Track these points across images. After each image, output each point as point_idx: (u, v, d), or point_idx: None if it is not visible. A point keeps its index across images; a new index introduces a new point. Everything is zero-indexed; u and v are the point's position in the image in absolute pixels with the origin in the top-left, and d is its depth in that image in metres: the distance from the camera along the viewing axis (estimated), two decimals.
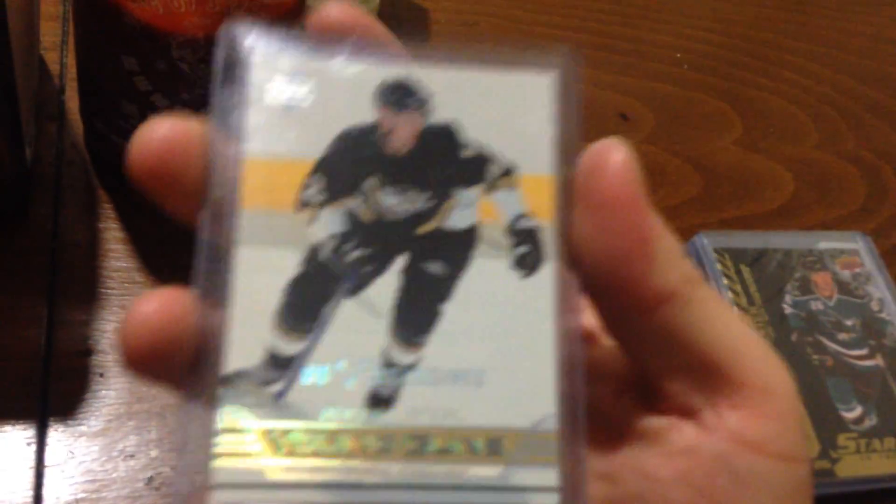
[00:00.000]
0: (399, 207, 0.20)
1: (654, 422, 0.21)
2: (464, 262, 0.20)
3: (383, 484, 0.19)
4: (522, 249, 0.20)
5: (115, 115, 0.41)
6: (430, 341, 0.20)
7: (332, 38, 0.21)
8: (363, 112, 0.21)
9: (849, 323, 0.45)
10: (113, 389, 0.40)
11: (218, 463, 0.18)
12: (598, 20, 0.67)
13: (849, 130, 0.66)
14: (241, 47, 0.21)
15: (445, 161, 0.21)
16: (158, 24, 0.36)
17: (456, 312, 0.20)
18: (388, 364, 0.19)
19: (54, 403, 0.39)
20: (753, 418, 0.20)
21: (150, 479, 0.38)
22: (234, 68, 0.21)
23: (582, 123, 0.21)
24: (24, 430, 0.38)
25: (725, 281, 0.44)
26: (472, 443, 0.19)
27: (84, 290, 0.42)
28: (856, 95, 0.69)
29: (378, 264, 0.20)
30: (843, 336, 0.45)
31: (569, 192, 0.20)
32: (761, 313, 0.44)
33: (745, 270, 0.45)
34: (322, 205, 0.20)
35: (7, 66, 0.34)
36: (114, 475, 0.38)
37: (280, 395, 0.19)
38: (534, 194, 0.21)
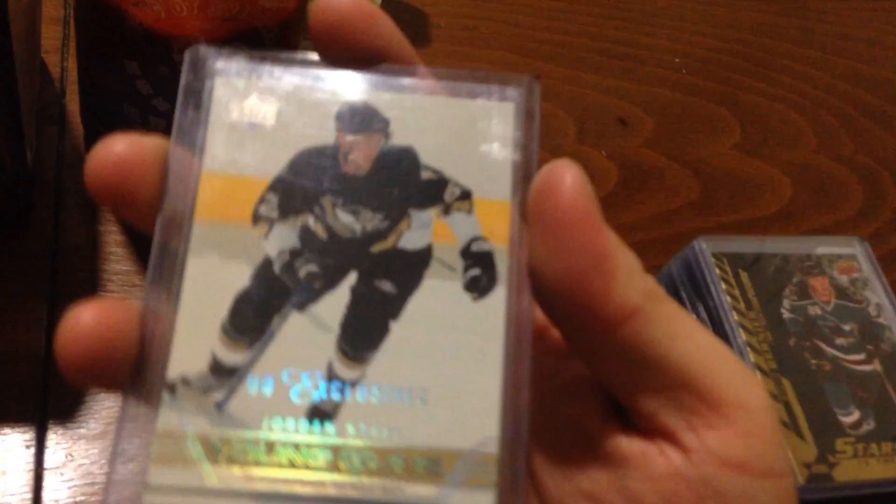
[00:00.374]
0: (354, 226, 0.21)
1: (637, 444, 0.20)
2: (416, 281, 0.20)
3: (319, 497, 0.19)
4: (475, 272, 0.20)
5: (117, 119, 0.41)
6: (375, 358, 0.20)
7: (330, 28, 0.21)
8: (324, 133, 0.21)
9: (846, 328, 0.46)
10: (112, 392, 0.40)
11: (154, 466, 0.18)
12: (598, 25, 0.67)
13: (847, 135, 0.66)
14: (205, 68, 0.21)
15: (403, 182, 0.21)
16: (160, 28, 0.36)
17: (404, 331, 0.20)
18: (332, 378, 0.19)
19: (53, 406, 0.39)
20: (734, 437, 0.19)
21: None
22: (198, 88, 0.21)
23: (540, 150, 0.21)
24: (24, 432, 0.38)
25: (724, 285, 0.44)
26: (412, 461, 0.19)
27: (84, 293, 0.43)
28: (854, 101, 0.69)
29: (329, 280, 0.20)
30: (840, 341, 0.45)
31: (525, 217, 0.20)
32: (759, 318, 0.44)
33: (744, 275, 0.45)
34: (277, 220, 0.20)
35: (9, 70, 0.34)
36: None
37: (221, 403, 0.19)
38: (490, 218, 0.21)
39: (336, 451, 0.19)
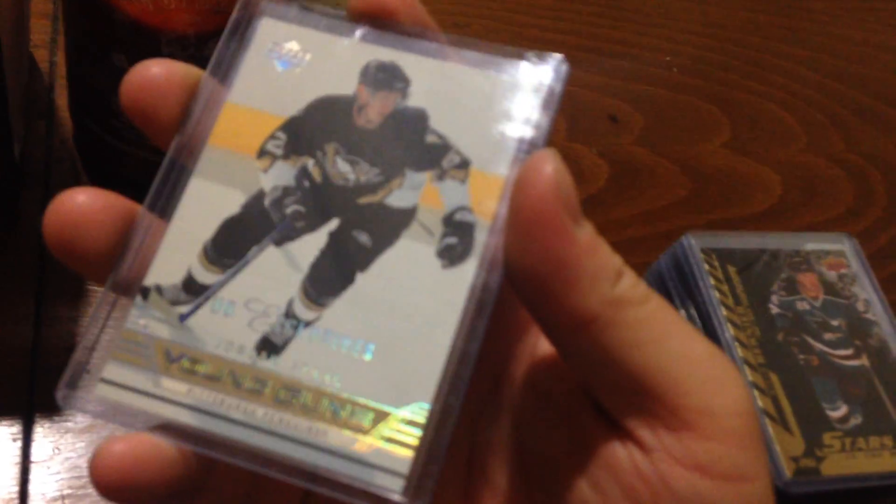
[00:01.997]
0: (350, 175, 0.21)
1: (607, 437, 0.21)
2: (392, 238, 0.21)
3: (246, 423, 0.19)
4: (451, 240, 0.20)
5: (106, 113, 0.41)
6: (334, 304, 0.20)
7: (369, 12, 0.22)
8: (346, 84, 0.22)
9: (835, 323, 0.46)
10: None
11: (111, 362, 0.20)
12: (589, 23, 0.67)
13: (836, 134, 0.67)
14: (256, 7, 0.23)
15: (407, 142, 0.21)
16: (148, 21, 0.36)
17: (367, 284, 0.20)
18: (289, 315, 0.20)
19: (41, 399, 0.39)
20: (694, 440, 0.19)
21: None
22: (244, 25, 0.23)
23: (552, 133, 0.21)
24: (10, 425, 0.38)
25: (712, 281, 0.44)
26: (341, 410, 0.19)
27: (72, 287, 0.43)
28: (843, 99, 0.69)
29: (312, 222, 0.21)
30: (828, 336, 0.45)
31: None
32: (748, 313, 0.44)
33: (732, 271, 0.45)
34: (280, 157, 0.21)
35: None
36: None
37: (184, 317, 0.20)
38: (482, 191, 0.21)
39: (275, 383, 0.19)
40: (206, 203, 0.21)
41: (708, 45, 0.69)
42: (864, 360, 0.45)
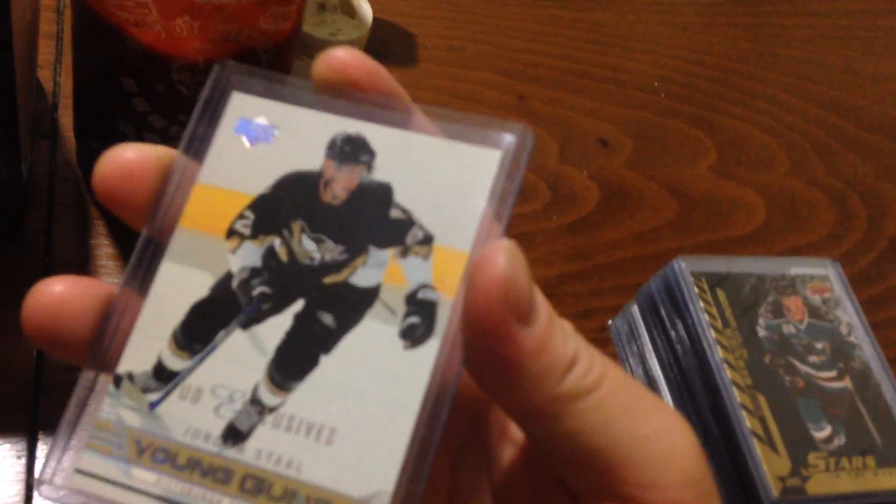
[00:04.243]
0: (315, 254, 0.21)
1: None
2: (356, 319, 0.20)
3: None
4: (413, 320, 0.20)
5: (112, 134, 0.42)
6: (298, 389, 0.20)
7: (334, 83, 0.22)
8: (313, 159, 0.22)
9: (819, 346, 0.47)
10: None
11: (87, 452, 0.20)
12: (580, 48, 0.68)
13: (818, 159, 0.68)
14: (226, 84, 0.22)
15: (372, 218, 0.21)
16: (160, 48, 0.37)
17: (331, 367, 0.20)
18: (255, 402, 0.20)
19: (45, 417, 0.40)
20: None
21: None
22: (215, 103, 0.22)
23: (515, 205, 0.21)
24: (14, 443, 0.38)
25: (702, 304, 0.46)
26: (305, 498, 0.19)
27: None
28: (825, 125, 0.71)
29: (278, 303, 0.21)
30: (813, 359, 0.46)
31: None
32: (735, 335, 0.45)
33: (721, 294, 0.47)
34: (248, 237, 0.21)
35: (9, 87, 0.35)
36: None
37: (154, 405, 0.20)
38: (445, 267, 0.20)
39: (241, 471, 0.20)
40: (176, 287, 0.21)
41: (695, 71, 0.71)
42: (847, 382, 0.46)
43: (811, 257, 0.52)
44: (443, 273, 0.20)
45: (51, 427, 0.39)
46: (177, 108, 0.40)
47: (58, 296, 0.20)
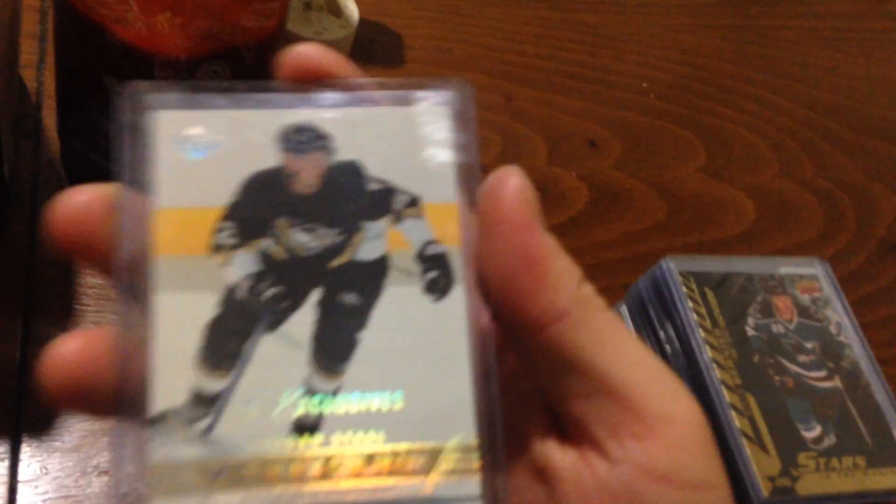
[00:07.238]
0: (311, 244, 0.21)
1: (570, 456, 0.21)
2: (377, 290, 0.21)
3: None
4: (432, 274, 0.21)
5: (95, 134, 0.41)
6: (349, 368, 0.20)
7: (303, 78, 0.21)
8: (269, 156, 0.21)
9: (808, 346, 0.47)
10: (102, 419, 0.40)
11: (156, 498, 0.19)
12: (569, 49, 0.68)
13: (807, 160, 0.68)
14: (144, 105, 0.21)
15: (352, 196, 0.21)
16: (141, 45, 0.37)
17: (373, 339, 0.21)
18: (312, 392, 0.20)
19: (28, 419, 0.39)
20: (658, 449, 0.20)
21: (125, 496, 0.38)
22: (138, 126, 0.21)
23: (478, 150, 0.22)
24: None
25: (690, 304, 0.45)
26: (398, 460, 0.20)
27: (59, 306, 0.43)
28: (814, 126, 0.71)
29: (294, 299, 0.21)
30: (802, 358, 0.46)
31: (471, 216, 0.21)
32: (725, 335, 0.45)
33: (710, 294, 0.46)
34: (235, 247, 0.21)
35: None
36: (87, 491, 0.38)
37: (208, 429, 0.20)
38: (440, 221, 0.21)
39: (325, 460, 0.20)
40: (179, 315, 0.20)
41: (684, 72, 0.71)
42: (836, 382, 0.46)
43: (800, 257, 0.52)
44: (440, 226, 0.21)
45: (34, 429, 0.39)
46: None
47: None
